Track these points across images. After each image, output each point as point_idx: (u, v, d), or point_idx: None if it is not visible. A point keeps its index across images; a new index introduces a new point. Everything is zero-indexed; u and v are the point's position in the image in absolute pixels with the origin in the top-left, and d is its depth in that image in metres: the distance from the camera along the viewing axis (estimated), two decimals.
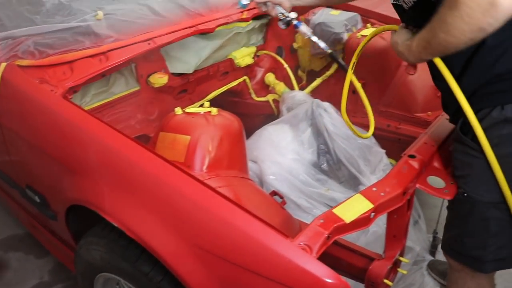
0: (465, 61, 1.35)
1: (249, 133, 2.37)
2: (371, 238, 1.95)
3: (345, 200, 1.31)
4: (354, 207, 1.28)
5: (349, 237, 1.64)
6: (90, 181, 1.49)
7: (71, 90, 1.73)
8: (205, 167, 1.49)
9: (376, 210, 1.31)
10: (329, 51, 2.15)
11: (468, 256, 1.55)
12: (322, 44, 2.14)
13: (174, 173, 1.32)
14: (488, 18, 1.08)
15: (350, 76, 1.79)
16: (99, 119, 1.53)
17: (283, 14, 2.08)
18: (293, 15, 2.10)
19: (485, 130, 1.36)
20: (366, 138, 1.96)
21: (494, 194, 1.41)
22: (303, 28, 2.13)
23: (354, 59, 1.78)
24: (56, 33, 1.81)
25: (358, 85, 1.88)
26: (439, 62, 1.35)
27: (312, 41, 2.16)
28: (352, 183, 2.26)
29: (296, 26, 2.12)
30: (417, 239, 2.32)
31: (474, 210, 1.47)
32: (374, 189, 1.36)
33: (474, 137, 1.38)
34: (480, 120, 1.36)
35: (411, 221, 2.38)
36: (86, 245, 1.58)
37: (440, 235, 1.98)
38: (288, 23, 2.11)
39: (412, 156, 1.51)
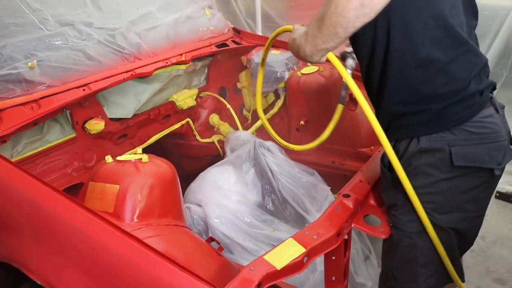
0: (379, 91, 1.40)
1: (195, 175, 2.33)
2: (319, 278, 1.91)
3: (277, 246, 1.27)
4: (285, 252, 1.24)
5: (298, 277, 1.61)
6: (14, 237, 1.40)
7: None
8: (135, 216, 1.43)
9: (309, 254, 1.27)
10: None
11: None
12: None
13: (99, 226, 1.25)
14: None
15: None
16: (24, 170, 1.46)
17: None
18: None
19: (403, 162, 1.37)
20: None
21: (417, 224, 1.41)
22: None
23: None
24: None
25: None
26: (357, 93, 1.34)
27: None
28: (299, 221, 2.24)
29: None
30: (369, 275, 2.29)
31: (400, 241, 1.47)
32: (307, 232, 1.33)
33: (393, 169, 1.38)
34: (398, 152, 1.39)
35: (362, 256, 2.36)
36: None
37: None
38: None
39: (346, 196, 1.50)
